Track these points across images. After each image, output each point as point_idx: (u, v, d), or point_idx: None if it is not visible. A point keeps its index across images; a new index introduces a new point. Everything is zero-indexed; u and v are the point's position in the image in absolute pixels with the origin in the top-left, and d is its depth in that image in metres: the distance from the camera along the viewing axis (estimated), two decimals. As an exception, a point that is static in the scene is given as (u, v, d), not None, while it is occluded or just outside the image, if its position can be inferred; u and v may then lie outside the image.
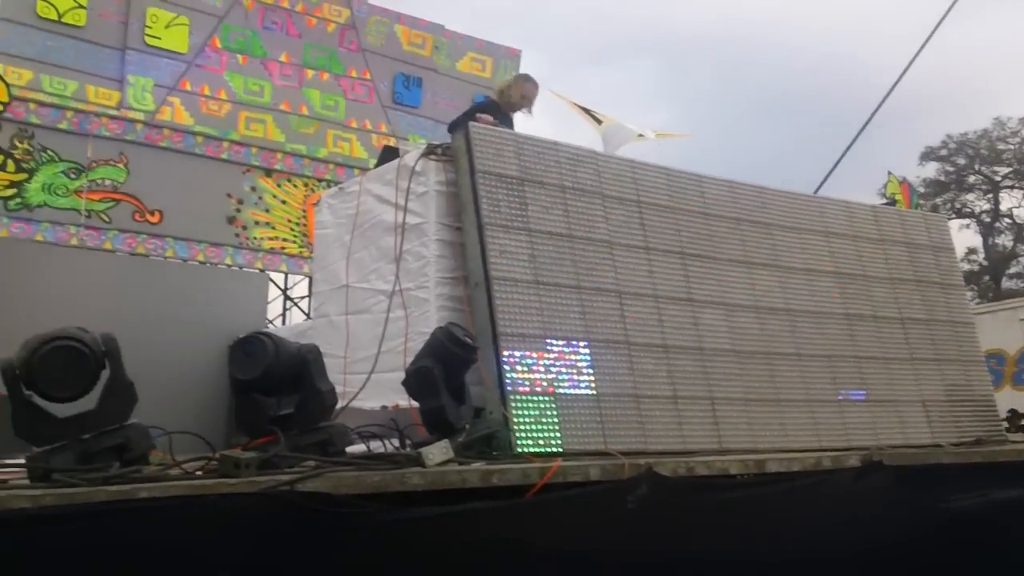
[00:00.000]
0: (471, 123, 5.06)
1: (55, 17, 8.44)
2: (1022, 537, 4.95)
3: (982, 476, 5.07)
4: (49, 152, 8.10)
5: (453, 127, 5.47)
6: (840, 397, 5.55)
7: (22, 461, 3.28)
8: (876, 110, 11.05)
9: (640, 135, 11.43)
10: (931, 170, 34.94)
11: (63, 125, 8.26)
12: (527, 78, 6.66)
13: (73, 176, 8.19)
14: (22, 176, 5.75)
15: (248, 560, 3.01)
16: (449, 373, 4.11)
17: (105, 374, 3.35)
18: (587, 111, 11.86)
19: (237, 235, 8.99)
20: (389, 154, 5.86)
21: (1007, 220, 34.49)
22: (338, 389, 4.93)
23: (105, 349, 3.32)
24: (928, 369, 6.03)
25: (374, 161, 7.84)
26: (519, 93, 6.43)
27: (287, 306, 11.16)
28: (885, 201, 8.96)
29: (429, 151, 5.06)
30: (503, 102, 6.46)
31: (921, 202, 23.59)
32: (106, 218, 8.33)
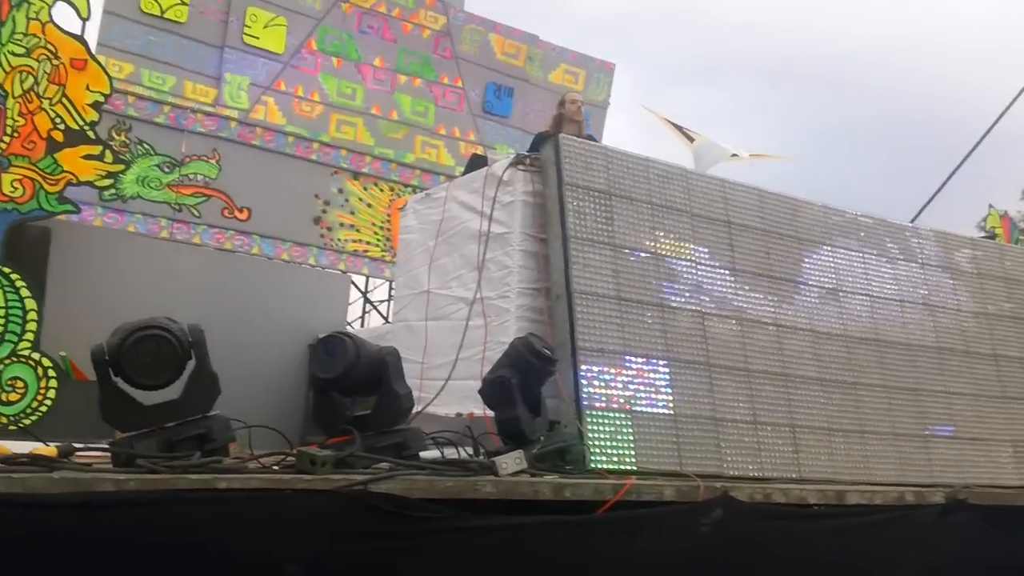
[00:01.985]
0: (562, 135, 5.04)
1: (158, 12, 8.71)
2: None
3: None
4: (145, 145, 8.35)
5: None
6: (927, 432, 5.36)
7: (106, 446, 3.36)
8: (980, 140, 10.73)
9: (734, 155, 11.27)
10: (1034, 207, 33.68)
11: (160, 119, 8.51)
12: (562, 101, 6.71)
13: (167, 170, 8.42)
14: (119, 167, 5.90)
15: (317, 557, 3.03)
16: (526, 384, 4.08)
17: (191, 364, 3.41)
18: (679, 128, 11.74)
19: (322, 236, 9.12)
20: (477, 162, 5.88)
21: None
22: (415, 395, 4.99)
23: (192, 340, 3.38)
24: (1021, 408, 5.79)
25: (461, 168, 7.90)
26: (568, 120, 6.45)
27: (366, 309, 11.28)
28: (984, 235, 8.64)
29: (517, 161, 5.05)
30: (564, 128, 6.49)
31: (1022, 237, 22.72)
32: (196, 213, 8.53)
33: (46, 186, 5.62)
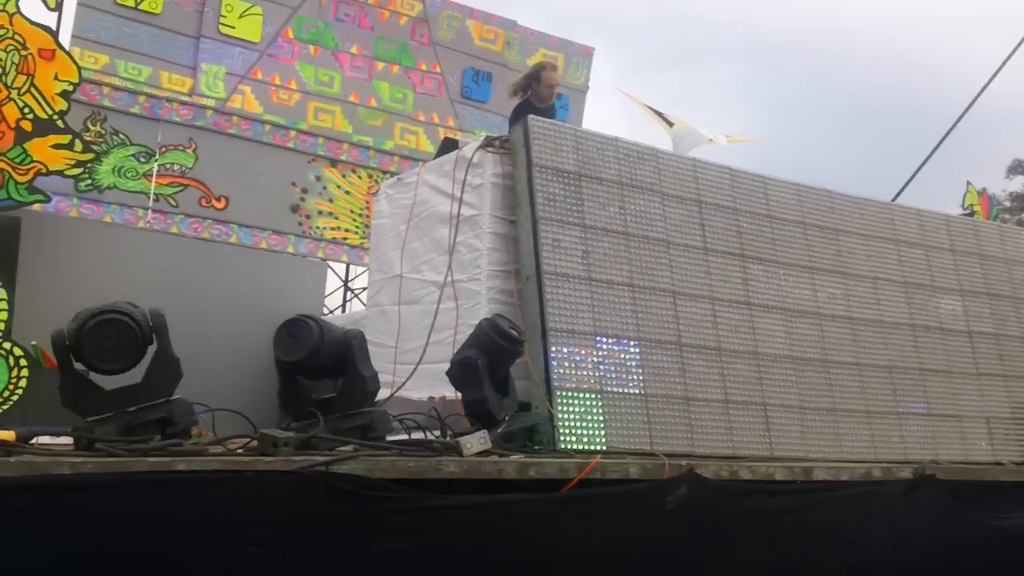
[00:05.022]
0: (531, 116, 5.02)
1: (132, 4, 8.64)
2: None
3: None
4: (121, 135, 8.30)
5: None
6: (900, 409, 5.38)
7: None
8: (960, 117, 10.73)
9: (710, 140, 11.27)
10: (1018, 184, 33.81)
11: (135, 110, 8.45)
12: (542, 66, 6.64)
13: (143, 160, 8.38)
14: (89, 156, 5.87)
15: (279, 538, 3.03)
16: (494, 365, 4.07)
17: (152, 349, 3.40)
18: (658, 113, 11.73)
19: (300, 224, 9.09)
20: (449, 145, 5.86)
21: (1096, 239, 33.18)
22: (388, 379, 4.98)
23: (153, 324, 3.37)
24: (994, 385, 5.81)
25: (439, 155, 7.86)
26: (547, 86, 6.40)
27: (347, 297, 11.26)
28: (963, 212, 8.66)
29: (487, 143, 5.04)
30: (537, 99, 6.45)
31: (1006, 216, 22.83)
32: (173, 202, 8.49)
33: (15, 176, 5.60)
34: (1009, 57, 10.68)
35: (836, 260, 5.59)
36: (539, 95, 6.47)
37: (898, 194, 10.24)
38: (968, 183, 8.95)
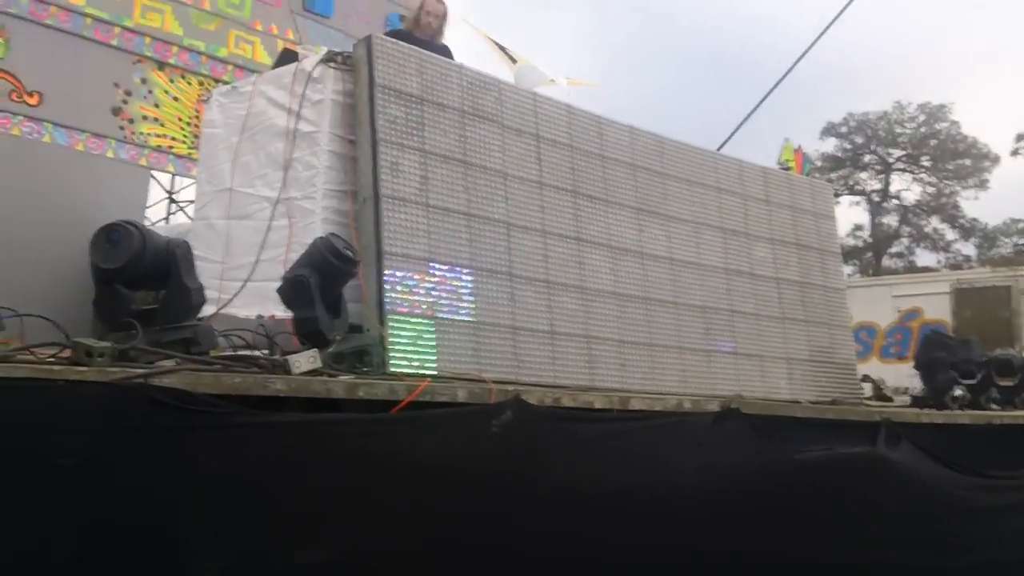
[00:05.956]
0: (374, 34, 4.92)
1: None
2: (859, 488, 5.24)
3: (832, 432, 5.34)
4: (-78, 16, 7.52)
5: None
6: (710, 347, 5.72)
7: None
8: (781, 80, 11.31)
9: (552, 80, 11.41)
10: (830, 145, 36.04)
11: (-60, -10, 7.67)
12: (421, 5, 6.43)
13: (-54, 44, 7.63)
14: None
15: (92, 451, 2.91)
16: (326, 285, 4.03)
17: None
18: (503, 49, 11.73)
19: (122, 128, 8.50)
20: (288, 57, 5.64)
21: (895, 201, 35.96)
22: (214, 295, 4.83)
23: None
24: (796, 329, 6.27)
25: (275, 66, 7.55)
26: (427, 13, 6.21)
27: (172, 209, 10.76)
28: (779, 167, 9.16)
29: (329, 58, 4.91)
30: (417, 28, 6.25)
31: (817, 175, 24.29)
32: (-21, 94, 7.81)
33: None
34: (830, 25, 11.32)
35: (661, 203, 5.83)
36: (419, 24, 6.22)
37: (722, 145, 10.72)
38: (786, 139, 9.47)
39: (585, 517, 4.12)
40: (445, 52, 5.87)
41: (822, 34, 10.84)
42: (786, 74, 10.79)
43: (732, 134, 10.67)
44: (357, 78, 4.77)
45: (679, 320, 5.62)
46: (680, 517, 4.45)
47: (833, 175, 34.50)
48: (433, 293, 4.60)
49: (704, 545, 4.56)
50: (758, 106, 10.77)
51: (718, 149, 8.80)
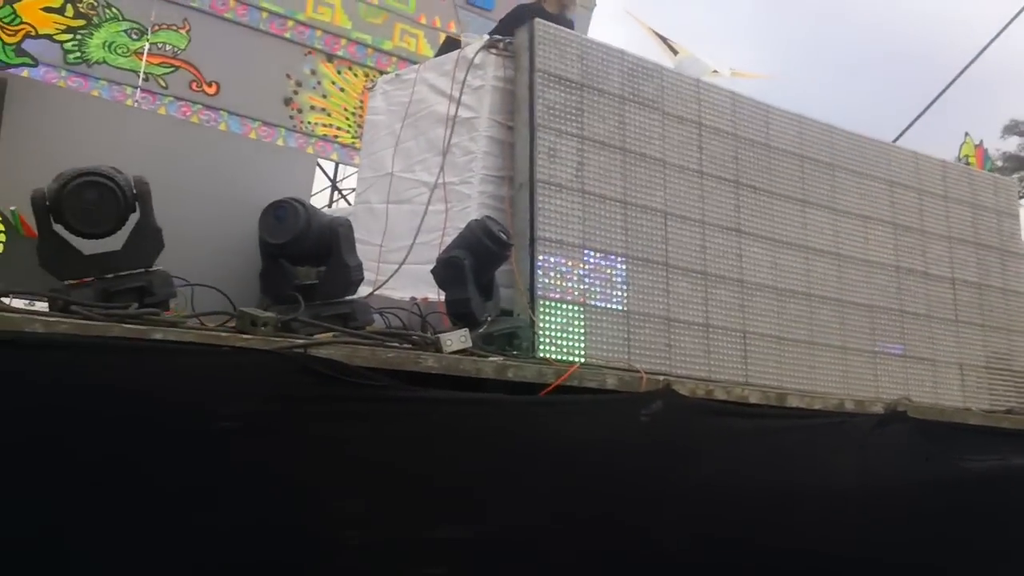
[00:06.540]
0: (537, 19, 4.89)
1: None
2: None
3: (1005, 442, 4.95)
4: (114, 9, 8.02)
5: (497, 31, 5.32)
6: (876, 348, 5.41)
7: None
8: (959, 74, 10.63)
9: (715, 71, 11.14)
10: (1013, 144, 33.78)
11: (130, -17, 8.20)
12: None
13: (135, 37, 8.13)
14: (80, 23, 5.69)
15: (251, 417, 3.01)
16: (480, 266, 4.04)
17: (135, 217, 3.34)
18: (664, 39, 11.55)
19: (292, 117, 8.90)
20: (450, 45, 5.72)
21: (1079, 206, 33.32)
22: (371, 276, 4.93)
23: (137, 191, 3.30)
24: (971, 333, 5.86)
25: (439, 58, 7.67)
26: None
27: (335, 197, 11.14)
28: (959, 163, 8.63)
29: (490, 44, 4.92)
30: (547, 2, 6.26)
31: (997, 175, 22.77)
32: (163, 83, 8.28)
33: (4, 36, 5.43)
34: (1013, 20, 10.54)
35: (829, 195, 5.57)
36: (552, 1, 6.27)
37: (896, 139, 10.17)
38: (966, 134, 8.91)
39: (734, 514, 3.96)
40: (570, 27, 5.84)
41: (1003, 30, 10.11)
42: (969, 64, 10.12)
43: (909, 125, 10.11)
44: (517, 64, 4.76)
45: (843, 318, 5.34)
46: (834, 521, 4.22)
47: (1015, 175, 32.27)
48: (586, 280, 4.54)
49: (863, 552, 4.31)
50: (938, 97, 10.16)
51: (893, 142, 8.36)
